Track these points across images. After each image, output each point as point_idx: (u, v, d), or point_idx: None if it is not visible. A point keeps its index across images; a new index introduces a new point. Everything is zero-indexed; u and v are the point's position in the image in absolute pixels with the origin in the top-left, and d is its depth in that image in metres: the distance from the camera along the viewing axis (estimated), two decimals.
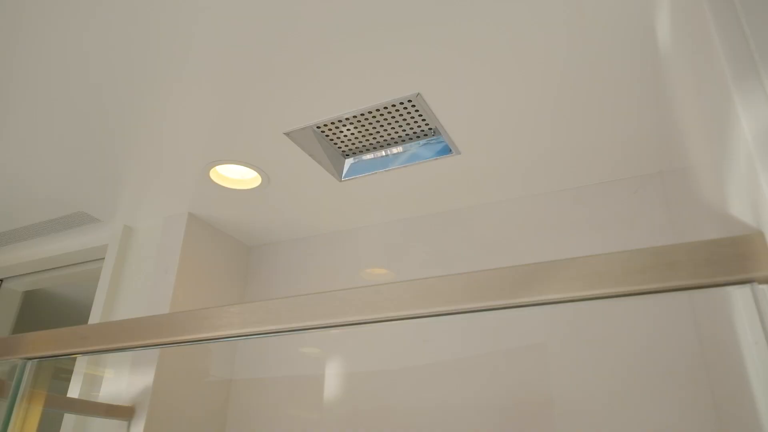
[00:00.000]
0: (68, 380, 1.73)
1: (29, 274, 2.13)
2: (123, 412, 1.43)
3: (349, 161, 1.54)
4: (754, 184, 0.44)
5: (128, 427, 1.43)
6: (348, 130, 1.39)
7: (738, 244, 0.44)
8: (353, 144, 1.46)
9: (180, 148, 1.42)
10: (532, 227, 1.59)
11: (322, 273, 1.86)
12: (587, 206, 1.54)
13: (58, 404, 1.28)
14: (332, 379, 1.65)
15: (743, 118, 0.44)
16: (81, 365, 1.68)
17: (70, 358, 1.72)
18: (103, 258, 1.90)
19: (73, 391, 1.63)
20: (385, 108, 1.30)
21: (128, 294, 1.76)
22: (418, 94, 1.23)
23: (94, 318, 1.76)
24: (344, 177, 1.54)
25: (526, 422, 1.35)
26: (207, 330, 0.62)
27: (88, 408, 1.42)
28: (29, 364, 0.75)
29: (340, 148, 1.48)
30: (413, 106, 1.30)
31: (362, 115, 1.32)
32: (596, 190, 1.55)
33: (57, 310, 2.55)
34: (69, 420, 1.57)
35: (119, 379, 1.55)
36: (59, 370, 2.74)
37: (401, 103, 1.28)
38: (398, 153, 1.49)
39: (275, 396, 1.72)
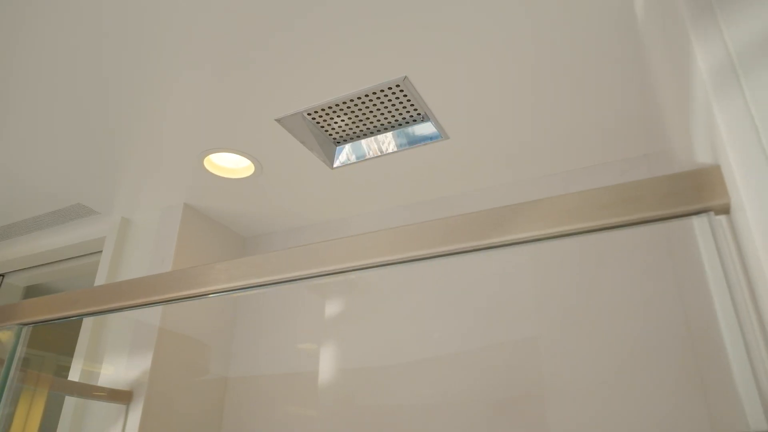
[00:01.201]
0: (67, 376, 1.75)
1: (30, 268, 2.14)
2: (122, 396, 1.44)
3: (340, 148, 1.56)
4: (711, 120, 0.46)
5: (127, 410, 1.44)
6: (338, 116, 1.41)
7: (696, 177, 0.47)
8: (344, 131, 1.48)
9: (174, 137, 1.44)
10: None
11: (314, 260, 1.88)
12: (575, 190, 1.56)
13: (61, 387, 1.30)
14: (328, 374, 1.66)
15: (699, 55, 0.46)
16: (78, 361, 1.69)
17: (66, 357, 1.74)
18: (101, 251, 1.92)
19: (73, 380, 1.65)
20: (374, 93, 1.32)
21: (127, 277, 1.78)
22: (405, 77, 1.25)
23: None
24: (336, 164, 1.57)
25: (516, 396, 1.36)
26: (195, 287, 0.64)
27: (89, 391, 1.43)
28: (24, 329, 0.77)
29: (331, 135, 1.51)
30: (401, 90, 1.32)
31: (351, 101, 1.35)
32: (583, 174, 1.58)
33: None
34: (69, 405, 1.58)
35: (117, 367, 1.57)
36: (60, 368, 2.75)
37: (389, 88, 1.31)
38: (388, 140, 1.51)
39: (271, 392, 1.73)
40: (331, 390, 1.63)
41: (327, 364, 1.68)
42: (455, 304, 1.57)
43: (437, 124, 1.42)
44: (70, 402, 1.56)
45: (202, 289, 0.64)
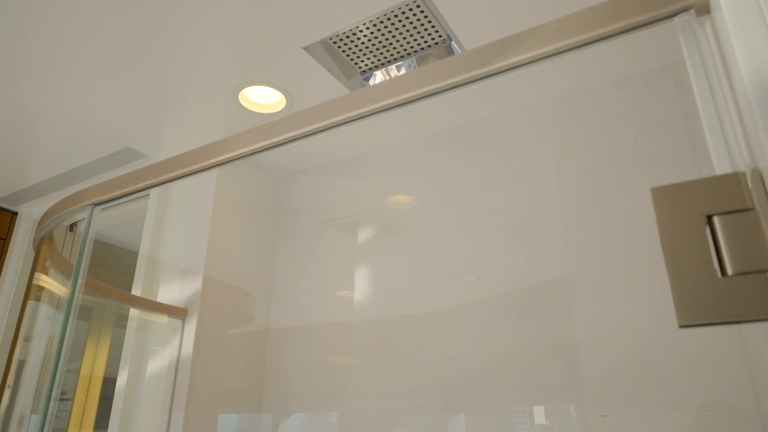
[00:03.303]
0: (126, 323, 1.90)
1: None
2: (178, 312, 1.58)
3: (366, 77, 1.63)
4: None
5: (183, 325, 1.59)
6: (361, 42, 1.48)
7: None
8: (369, 59, 1.55)
9: (210, 74, 1.54)
10: (546, 134, 1.65)
11: (348, 200, 1.96)
12: (596, 107, 1.59)
13: (127, 299, 1.44)
14: (366, 324, 1.73)
15: None
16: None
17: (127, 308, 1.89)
18: (148, 194, 2.06)
19: (130, 337, 1.81)
20: (394, 15, 1.38)
21: (172, 223, 1.92)
22: None
23: (143, 249, 1.93)
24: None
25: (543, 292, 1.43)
26: (245, 146, 0.74)
27: (151, 305, 1.58)
28: (96, 209, 0.88)
29: (356, 64, 1.57)
30: (422, 11, 1.37)
31: (373, 24, 1.41)
32: (606, 89, 1.60)
33: (106, 254, 2.76)
34: (133, 323, 1.74)
35: (171, 292, 1.71)
36: (120, 316, 2.97)
37: (409, 9, 1.36)
38: (413, 66, 1.57)
39: (311, 343, 1.80)
40: (370, 339, 1.70)
41: (363, 312, 1.74)
42: (486, 238, 1.64)
43: (460, 46, 1.46)
44: (132, 323, 1.72)
45: (253, 147, 0.73)
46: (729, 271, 0.37)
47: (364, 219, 1.92)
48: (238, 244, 1.89)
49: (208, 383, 1.60)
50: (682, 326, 0.38)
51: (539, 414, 1.32)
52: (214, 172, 1.87)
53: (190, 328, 1.58)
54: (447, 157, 1.81)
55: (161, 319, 1.69)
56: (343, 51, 1.52)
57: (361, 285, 1.80)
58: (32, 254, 2.57)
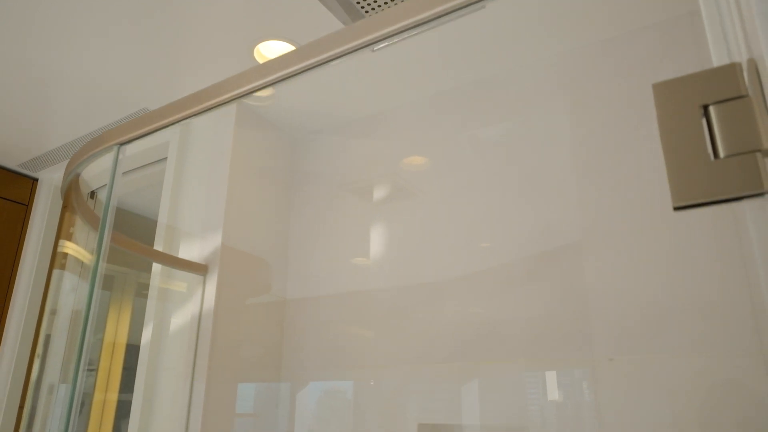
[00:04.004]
0: (147, 293, 1.96)
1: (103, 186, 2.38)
2: (199, 268, 1.64)
3: None
4: None
5: (204, 281, 1.64)
6: None
7: None
8: (379, 6, 1.56)
9: (225, 31, 1.56)
10: (561, 89, 1.65)
11: (362, 164, 1.99)
12: (611, 59, 1.59)
13: (148, 253, 1.50)
14: (381, 292, 1.74)
15: None
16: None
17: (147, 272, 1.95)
18: (166, 157, 2.10)
19: (151, 304, 1.87)
20: None
21: (190, 186, 1.96)
22: None
23: (163, 212, 1.98)
24: (375, 47, 1.65)
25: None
26: (264, 78, 0.77)
27: (172, 261, 1.64)
28: (120, 148, 0.92)
29: (368, 13, 1.58)
30: None
31: None
32: (621, 40, 1.59)
33: (125, 222, 2.84)
34: (153, 291, 1.81)
35: (192, 250, 1.77)
36: (140, 285, 3.06)
37: None
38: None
39: (328, 313, 1.83)
40: (385, 309, 1.72)
41: (379, 280, 1.76)
42: (499, 198, 1.66)
43: None
44: (153, 293, 1.79)
45: (272, 77, 0.76)
46: (721, 153, 0.40)
47: (378, 183, 1.95)
48: (254, 209, 1.94)
49: (228, 353, 1.66)
50: (676, 208, 0.41)
51: (550, 363, 1.36)
52: (230, 134, 1.90)
53: (211, 284, 1.64)
54: (460, 116, 1.83)
55: (180, 286, 1.75)
56: (359, 3, 1.52)
57: (376, 252, 1.83)
58: (55, 221, 2.65)
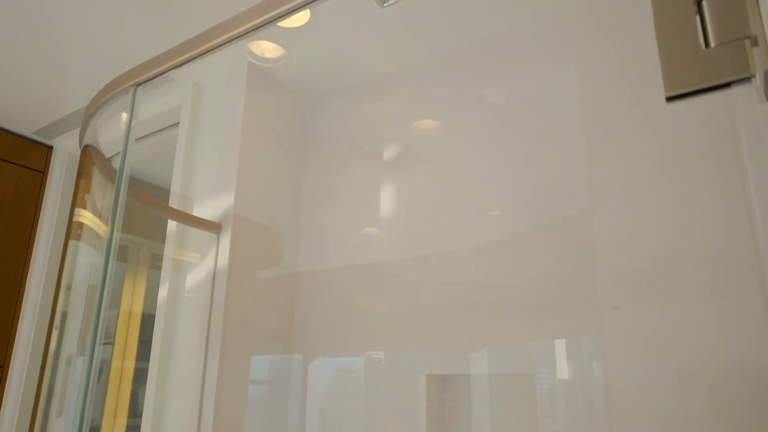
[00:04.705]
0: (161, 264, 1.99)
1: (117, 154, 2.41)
2: (213, 226, 1.67)
3: None
4: None
5: (218, 239, 1.67)
6: None
7: None
8: None
9: None
10: (573, 41, 1.64)
11: (373, 128, 1.99)
12: (623, 9, 1.58)
13: (163, 210, 1.53)
14: (393, 265, 1.75)
15: None
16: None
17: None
18: (178, 122, 2.13)
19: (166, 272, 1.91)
20: None
21: (203, 148, 1.99)
22: None
23: (176, 177, 2.01)
24: (386, 2, 1.65)
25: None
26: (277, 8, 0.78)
27: (186, 218, 1.67)
28: (138, 89, 0.94)
29: None
30: None
31: None
32: None
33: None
34: (168, 262, 1.84)
35: (206, 208, 1.80)
36: (154, 256, 3.11)
37: None
38: None
39: (339, 285, 1.84)
40: (396, 280, 1.73)
41: (389, 252, 1.76)
42: (508, 160, 1.66)
43: None
44: (167, 264, 1.82)
45: (284, 7, 0.78)
46: (712, 42, 0.41)
47: (389, 148, 1.96)
48: (266, 173, 1.96)
49: (242, 322, 1.69)
50: (668, 98, 0.43)
51: (556, 312, 1.39)
52: (242, 97, 1.91)
53: (225, 242, 1.67)
54: (470, 76, 1.82)
55: (194, 257, 1.78)
56: None
57: (387, 222, 1.84)
58: (71, 189, 2.69)
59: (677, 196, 1.32)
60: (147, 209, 1.47)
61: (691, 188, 1.32)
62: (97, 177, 1.58)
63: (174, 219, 1.72)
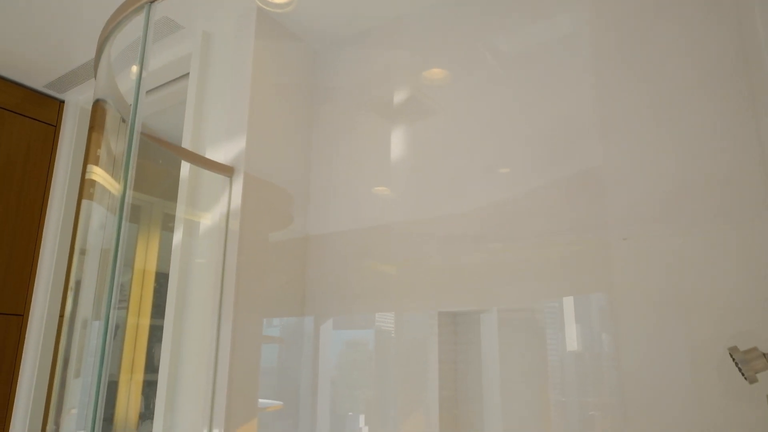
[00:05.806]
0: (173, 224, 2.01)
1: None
2: (225, 169, 1.69)
3: None
4: None
5: (231, 182, 1.70)
6: None
7: None
8: None
9: None
10: None
11: (383, 78, 1.98)
12: None
13: (177, 151, 1.55)
14: (402, 227, 1.76)
15: None
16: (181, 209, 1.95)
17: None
18: (188, 73, 2.13)
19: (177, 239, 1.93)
20: None
21: (213, 99, 2.00)
22: None
23: (187, 128, 2.02)
24: None
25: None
26: None
27: (199, 160, 1.69)
28: (152, 6, 0.95)
29: None
30: None
31: None
32: None
33: (149, 148, 2.90)
34: (179, 222, 1.87)
35: (218, 153, 1.82)
36: (166, 216, 3.14)
37: None
38: None
39: (349, 247, 1.85)
40: (405, 242, 1.73)
41: (399, 213, 1.76)
42: (518, 121, 1.66)
43: None
44: (179, 225, 1.85)
45: None
46: None
47: (398, 100, 1.95)
48: (276, 126, 1.96)
49: (253, 288, 1.71)
50: None
51: (565, 246, 1.41)
52: (251, 45, 1.90)
53: (237, 186, 1.69)
54: (480, 24, 1.80)
55: (206, 218, 1.80)
56: None
57: (396, 180, 1.83)
58: (83, 145, 2.70)
59: (684, 127, 1.32)
60: (160, 149, 1.48)
61: (698, 118, 1.32)
62: (109, 129, 1.59)
63: (187, 160, 1.74)
